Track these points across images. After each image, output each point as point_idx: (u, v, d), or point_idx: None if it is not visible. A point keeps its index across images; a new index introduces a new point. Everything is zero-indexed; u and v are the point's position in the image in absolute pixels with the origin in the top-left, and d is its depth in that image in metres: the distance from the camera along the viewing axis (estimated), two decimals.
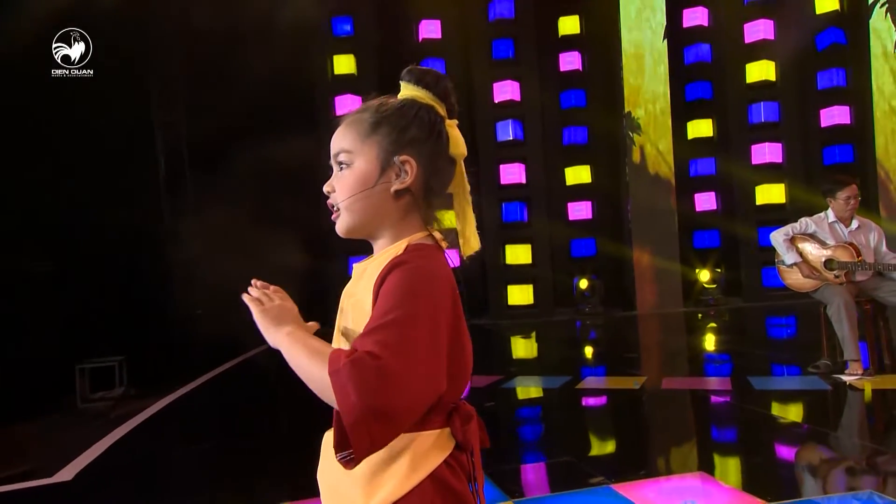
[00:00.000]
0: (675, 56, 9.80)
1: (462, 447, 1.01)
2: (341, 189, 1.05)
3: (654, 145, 9.51)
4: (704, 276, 9.66)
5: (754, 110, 9.67)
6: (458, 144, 1.08)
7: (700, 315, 8.92)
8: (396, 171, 1.04)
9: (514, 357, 6.84)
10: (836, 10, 9.65)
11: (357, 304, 1.01)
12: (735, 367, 5.34)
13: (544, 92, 9.85)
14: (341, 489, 0.98)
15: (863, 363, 4.41)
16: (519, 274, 9.61)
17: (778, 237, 4.74)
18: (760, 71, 9.64)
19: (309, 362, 0.87)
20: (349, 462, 0.83)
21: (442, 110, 1.08)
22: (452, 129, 1.08)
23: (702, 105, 10.04)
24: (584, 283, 9.50)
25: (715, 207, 10.04)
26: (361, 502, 0.95)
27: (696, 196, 10.07)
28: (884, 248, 4.63)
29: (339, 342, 1.05)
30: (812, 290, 4.64)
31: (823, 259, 4.58)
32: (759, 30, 9.60)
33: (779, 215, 9.34)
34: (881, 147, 9.40)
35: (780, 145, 9.64)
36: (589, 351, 6.98)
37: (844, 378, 4.32)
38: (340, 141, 1.07)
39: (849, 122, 9.69)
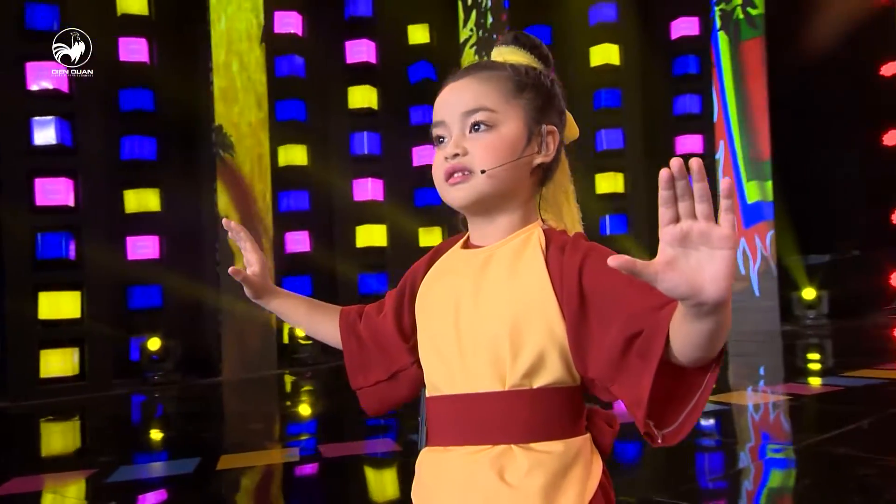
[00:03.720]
0: (270, 64, 10.31)
1: (605, 455, 1.15)
2: (489, 153, 1.12)
3: (250, 170, 9.85)
4: (301, 331, 10.26)
5: (356, 140, 10.88)
6: (573, 127, 1.24)
7: (293, 378, 9.45)
8: (539, 142, 1.16)
9: (105, 443, 6.38)
10: (428, 44, 11.64)
11: (512, 289, 1.10)
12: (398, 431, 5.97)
13: (105, 87, 9.24)
14: None
15: None
16: (60, 332, 8.76)
17: None
18: (363, 97, 10.92)
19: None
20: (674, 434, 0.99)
21: None
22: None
23: (296, 127, 10.81)
24: (153, 344, 9.19)
25: (308, 249, 10.85)
26: None
27: (287, 235, 10.73)
28: None
29: (454, 344, 1.13)
30: None
31: None
32: (361, 50, 10.87)
33: (381, 259, 10.74)
34: None
35: (381, 182, 11.05)
36: (202, 427, 6.85)
37: None
38: (480, 97, 1.14)
39: None
